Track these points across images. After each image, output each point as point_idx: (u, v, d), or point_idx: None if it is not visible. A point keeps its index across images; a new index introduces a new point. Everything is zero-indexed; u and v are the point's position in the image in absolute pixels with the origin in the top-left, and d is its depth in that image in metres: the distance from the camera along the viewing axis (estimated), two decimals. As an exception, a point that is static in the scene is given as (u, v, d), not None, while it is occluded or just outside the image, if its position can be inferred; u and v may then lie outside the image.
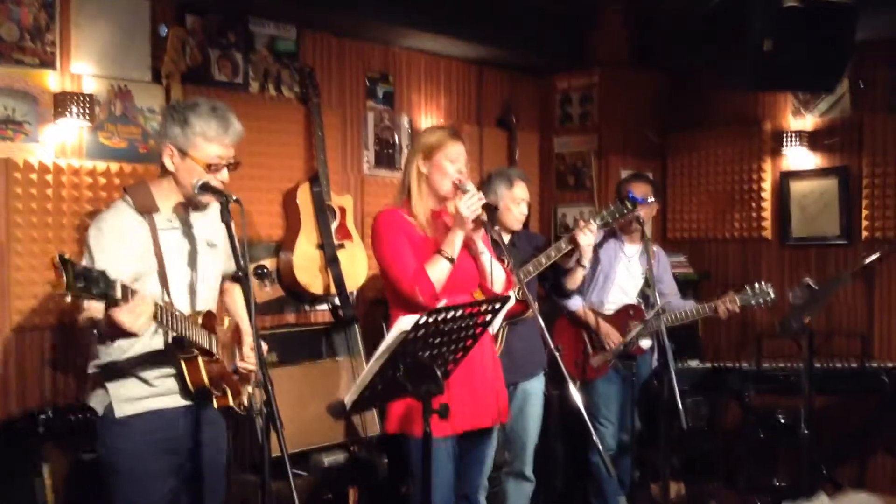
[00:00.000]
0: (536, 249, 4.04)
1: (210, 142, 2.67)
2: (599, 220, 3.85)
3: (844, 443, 5.25)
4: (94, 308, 2.45)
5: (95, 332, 2.58)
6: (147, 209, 2.70)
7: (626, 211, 3.88)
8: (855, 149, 5.54)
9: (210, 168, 2.67)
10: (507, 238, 4.07)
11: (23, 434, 3.57)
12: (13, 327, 3.78)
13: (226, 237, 2.81)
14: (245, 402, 2.86)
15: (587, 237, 3.77)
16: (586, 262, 3.93)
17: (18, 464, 3.53)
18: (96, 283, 2.19)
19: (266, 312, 4.62)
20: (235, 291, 3.10)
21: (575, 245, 3.83)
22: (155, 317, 2.40)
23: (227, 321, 2.87)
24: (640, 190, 4.54)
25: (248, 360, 2.88)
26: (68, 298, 2.15)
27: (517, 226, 4.10)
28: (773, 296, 4.36)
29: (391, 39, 5.27)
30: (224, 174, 2.72)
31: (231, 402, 2.77)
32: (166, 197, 2.75)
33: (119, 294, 2.26)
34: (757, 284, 4.38)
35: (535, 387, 4.13)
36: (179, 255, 2.75)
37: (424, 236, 3.11)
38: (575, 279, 4.09)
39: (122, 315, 2.30)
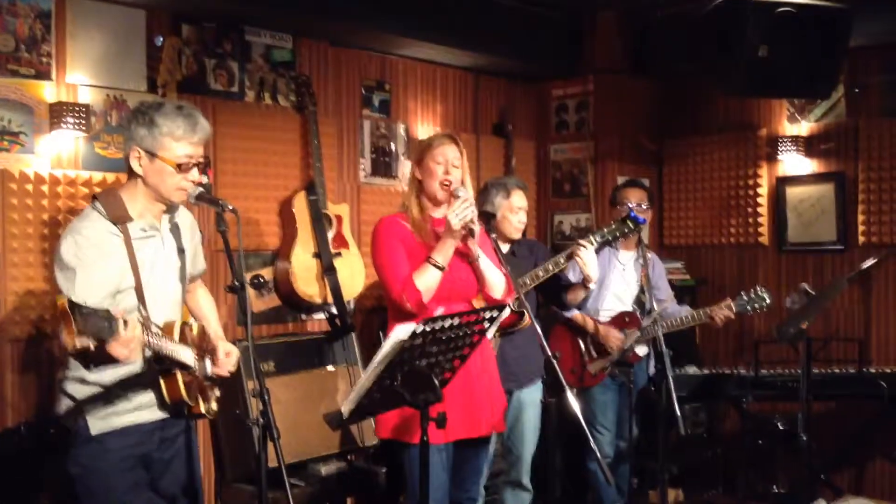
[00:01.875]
0: (537, 260, 4.04)
1: (178, 141, 2.60)
2: (600, 237, 3.80)
3: (843, 448, 5.24)
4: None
5: (83, 358, 2.42)
6: (120, 219, 2.60)
7: (627, 231, 3.84)
8: (851, 154, 5.54)
9: (180, 168, 2.60)
10: (506, 248, 4.07)
11: (27, 446, 3.54)
12: (10, 339, 3.78)
13: (192, 241, 2.79)
14: (214, 407, 2.78)
15: (585, 255, 3.75)
16: (592, 284, 3.88)
17: (17, 480, 3.50)
18: (101, 322, 2.14)
19: (262, 322, 4.62)
20: (199, 293, 3.00)
21: (572, 261, 3.81)
22: (147, 344, 2.36)
23: (194, 326, 2.76)
24: (635, 196, 4.56)
25: (222, 366, 2.79)
26: (78, 344, 2.08)
27: (516, 235, 4.10)
28: (768, 301, 4.34)
29: (387, 48, 5.27)
30: (195, 174, 2.64)
31: (202, 410, 2.70)
32: (137, 204, 2.65)
33: (121, 330, 2.21)
34: (752, 290, 4.37)
35: (532, 396, 4.12)
36: (155, 265, 2.67)
37: (422, 244, 3.10)
38: (577, 296, 4.05)
39: (117, 349, 2.25)
